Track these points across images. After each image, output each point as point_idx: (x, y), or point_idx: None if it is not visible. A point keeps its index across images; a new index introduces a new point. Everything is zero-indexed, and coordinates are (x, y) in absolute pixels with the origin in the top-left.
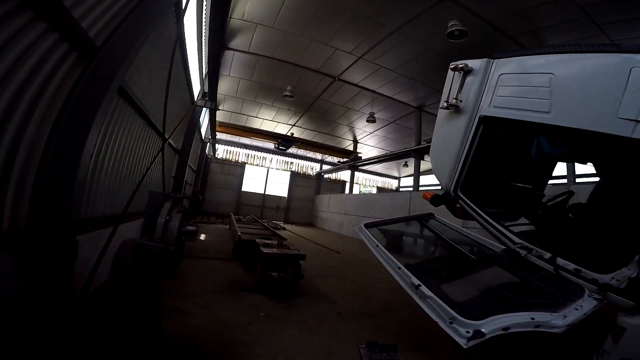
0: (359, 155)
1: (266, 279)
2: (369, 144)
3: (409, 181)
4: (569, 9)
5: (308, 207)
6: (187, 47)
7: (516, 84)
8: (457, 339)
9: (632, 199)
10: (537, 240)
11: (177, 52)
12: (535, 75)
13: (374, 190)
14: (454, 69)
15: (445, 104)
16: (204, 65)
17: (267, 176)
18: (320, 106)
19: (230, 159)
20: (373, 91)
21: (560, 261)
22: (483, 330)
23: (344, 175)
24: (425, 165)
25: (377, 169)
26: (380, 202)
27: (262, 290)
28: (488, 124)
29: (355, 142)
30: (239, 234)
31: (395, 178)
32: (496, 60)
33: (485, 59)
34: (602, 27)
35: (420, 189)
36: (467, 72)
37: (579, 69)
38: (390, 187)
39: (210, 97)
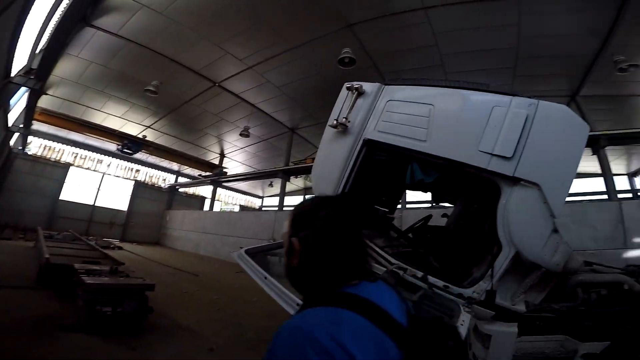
0: (225, 170)
1: (94, 315)
2: (237, 159)
3: (273, 201)
4: (431, 56)
5: (155, 223)
6: (32, 9)
7: (401, 111)
8: None
9: (482, 222)
10: (410, 260)
11: (15, 10)
12: (419, 105)
13: (237, 208)
14: (349, 89)
15: (334, 122)
16: (44, 37)
17: (100, 183)
18: (188, 110)
19: (48, 156)
20: (253, 105)
21: (431, 279)
22: None
23: (204, 190)
24: (290, 186)
25: (241, 187)
26: (244, 221)
27: (90, 330)
28: (371, 147)
29: (222, 155)
30: (46, 256)
31: (259, 197)
32: (386, 86)
33: (377, 84)
34: (448, 74)
35: (285, 209)
36: (360, 93)
37: (454, 103)
38: (253, 205)
39: (39, 76)
